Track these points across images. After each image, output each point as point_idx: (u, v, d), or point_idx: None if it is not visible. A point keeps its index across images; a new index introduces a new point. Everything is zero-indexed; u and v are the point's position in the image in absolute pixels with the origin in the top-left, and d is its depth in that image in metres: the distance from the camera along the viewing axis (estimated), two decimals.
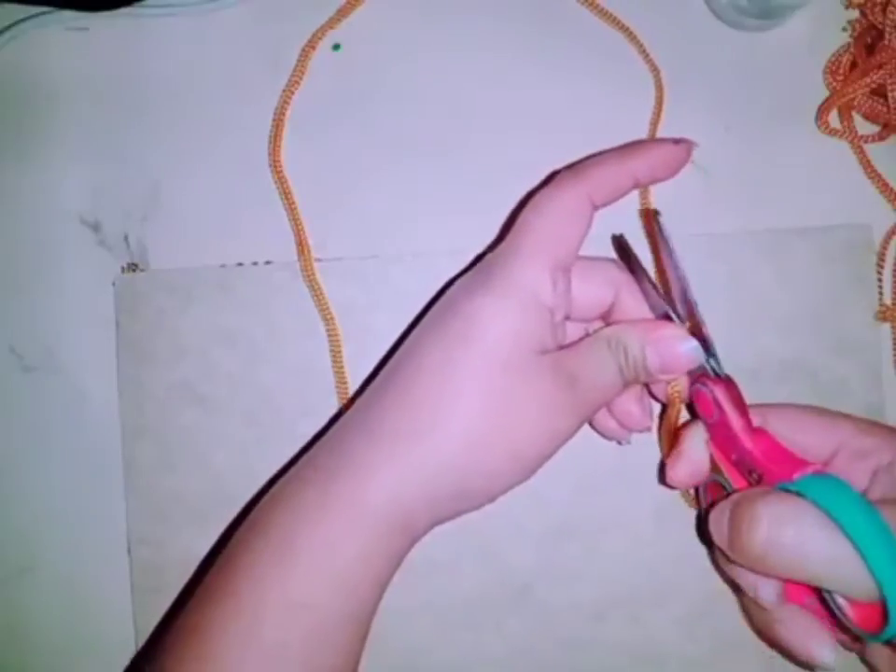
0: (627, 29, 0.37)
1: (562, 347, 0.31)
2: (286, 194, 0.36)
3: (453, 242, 0.36)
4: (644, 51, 0.37)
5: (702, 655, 0.36)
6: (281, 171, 0.36)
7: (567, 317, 0.31)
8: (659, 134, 0.37)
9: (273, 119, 0.37)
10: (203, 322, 0.36)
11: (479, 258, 0.36)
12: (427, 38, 0.37)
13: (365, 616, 0.29)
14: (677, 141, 0.31)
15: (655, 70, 0.37)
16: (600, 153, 0.31)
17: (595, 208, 0.30)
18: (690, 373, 0.32)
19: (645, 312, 0.32)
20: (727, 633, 0.36)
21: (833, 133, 0.36)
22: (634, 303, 0.32)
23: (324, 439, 0.31)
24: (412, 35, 0.37)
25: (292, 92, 0.37)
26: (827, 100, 0.36)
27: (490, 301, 0.29)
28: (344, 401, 0.36)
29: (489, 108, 0.37)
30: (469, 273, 0.31)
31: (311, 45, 0.37)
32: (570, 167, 0.31)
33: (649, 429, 0.33)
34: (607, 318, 0.33)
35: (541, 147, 0.36)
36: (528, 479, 0.30)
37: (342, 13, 0.37)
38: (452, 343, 0.29)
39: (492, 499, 0.30)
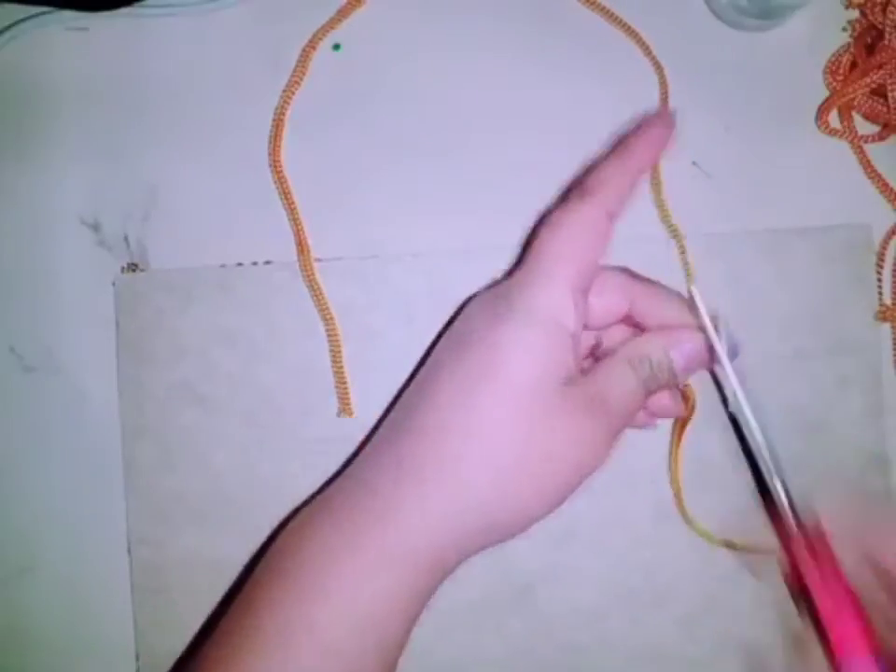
0: (629, 27, 0.37)
1: (582, 370, 0.30)
2: (285, 194, 0.36)
3: (453, 241, 0.36)
4: (647, 49, 0.37)
5: (702, 656, 0.36)
6: (281, 171, 0.36)
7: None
8: (671, 103, 0.36)
9: (273, 119, 0.37)
10: (202, 322, 0.36)
11: (480, 257, 0.36)
12: (427, 38, 0.37)
13: (394, 653, 0.29)
14: (657, 119, 0.32)
15: (659, 67, 0.37)
16: (597, 162, 0.31)
17: (613, 220, 0.30)
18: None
19: (661, 316, 0.32)
20: (727, 634, 0.36)
21: (833, 133, 0.36)
22: (650, 309, 0.32)
23: (346, 474, 0.31)
24: (412, 35, 0.37)
25: (292, 92, 0.37)
26: (827, 100, 0.36)
27: (513, 330, 0.29)
28: (345, 402, 0.36)
29: (489, 108, 0.37)
30: (488, 299, 0.31)
31: (311, 45, 0.37)
32: (578, 183, 0.31)
33: (681, 414, 0.35)
34: (626, 321, 0.33)
35: (542, 147, 0.36)
36: (556, 510, 0.30)
37: (342, 13, 0.37)
38: (475, 377, 0.29)
39: (521, 532, 0.30)
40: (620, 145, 0.32)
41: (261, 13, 0.37)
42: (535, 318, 0.29)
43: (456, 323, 0.31)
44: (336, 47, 0.37)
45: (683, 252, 0.36)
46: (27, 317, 0.37)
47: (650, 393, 0.31)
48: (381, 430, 0.31)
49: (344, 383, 0.36)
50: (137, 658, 0.36)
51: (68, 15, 0.37)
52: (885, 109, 0.36)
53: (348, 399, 0.36)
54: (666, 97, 0.36)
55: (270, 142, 0.36)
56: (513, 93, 0.37)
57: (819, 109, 0.36)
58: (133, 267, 0.36)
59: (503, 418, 0.28)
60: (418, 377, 0.31)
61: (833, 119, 0.37)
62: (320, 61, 0.37)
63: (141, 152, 0.37)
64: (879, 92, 0.36)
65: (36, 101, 0.37)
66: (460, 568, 0.35)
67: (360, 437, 0.35)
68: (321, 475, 0.35)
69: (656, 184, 0.36)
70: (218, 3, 0.37)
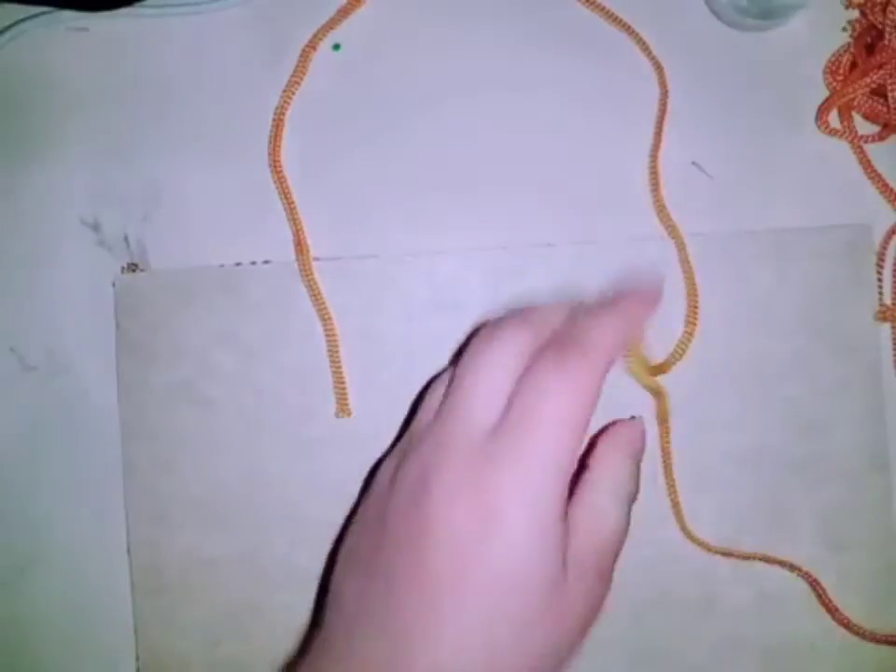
0: (629, 27, 0.37)
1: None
2: (285, 194, 0.36)
3: (453, 241, 0.36)
4: (647, 48, 0.36)
5: (703, 656, 0.36)
6: (280, 170, 0.36)
7: None
8: (671, 103, 0.36)
9: (273, 119, 0.37)
10: (203, 322, 0.36)
11: (480, 258, 0.36)
12: (427, 38, 0.37)
13: None
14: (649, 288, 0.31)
15: (658, 67, 0.36)
16: (597, 326, 0.29)
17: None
18: None
19: None
20: (728, 634, 0.36)
21: (833, 133, 0.36)
22: None
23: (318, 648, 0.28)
24: (412, 35, 0.37)
25: (293, 92, 0.37)
26: (827, 100, 0.36)
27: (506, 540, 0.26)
28: (343, 403, 0.36)
29: (489, 108, 0.37)
30: (480, 442, 0.28)
31: (311, 45, 0.37)
32: (574, 343, 0.28)
33: None
34: None
35: (543, 146, 0.36)
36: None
37: (342, 13, 0.37)
38: (467, 540, 0.26)
39: None
40: (617, 307, 0.30)
41: (261, 13, 0.37)
42: (516, 517, 0.26)
43: (425, 513, 0.27)
44: (336, 47, 0.37)
45: (683, 250, 0.36)
46: (27, 317, 0.37)
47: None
48: (334, 615, 0.28)
49: (343, 383, 0.36)
50: (137, 658, 0.36)
51: (68, 15, 0.37)
52: (885, 109, 0.36)
53: (346, 399, 0.36)
54: (666, 97, 0.36)
55: (269, 142, 0.36)
56: (513, 93, 0.37)
57: (819, 109, 0.36)
58: (133, 267, 0.36)
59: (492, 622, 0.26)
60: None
61: (833, 118, 0.37)
62: (320, 61, 0.37)
63: (141, 152, 0.37)
64: (879, 92, 0.36)
65: (36, 101, 0.37)
66: None
67: (359, 437, 0.35)
68: (320, 475, 0.35)
69: (655, 184, 0.36)
70: (218, 3, 0.37)
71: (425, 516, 0.27)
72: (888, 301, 0.36)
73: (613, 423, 0.33)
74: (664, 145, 0.36)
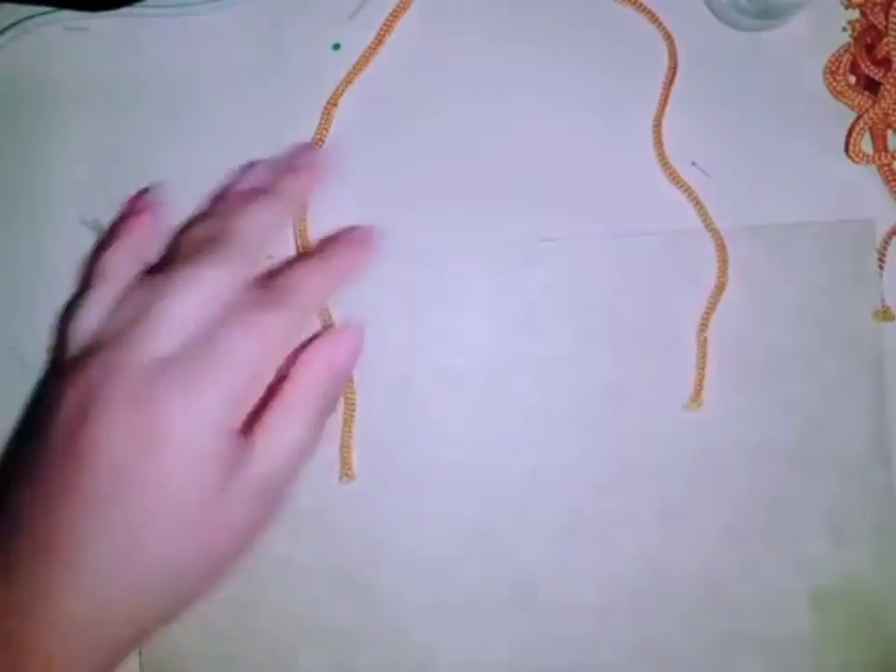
0: (637, 2, 0.37)
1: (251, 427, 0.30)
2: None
3: (453, 237, 0.36)
4: (656, 20, 0.37)
5: (706, 654, 0.36)
6: None
7: None
8: (672, 103, 0.37)
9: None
10: None
11: (485, 253, 0.36)
12: (427, 37, 0.37)
13: None
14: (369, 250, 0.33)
15: (669, 38, 0.37)
16: (305, 273, 0.31)
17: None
18: None
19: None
20: (731, 632, 0.36)
21: (866, 160, 0.36)
22: None
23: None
24: (412, 34, 0.37)
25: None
26: (857, 124, 0.36)
27: (171, 456, 0.28)
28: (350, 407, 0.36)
29: (491, 102, 0.37)
30: (149, 368, 0.28)
31: (332, 101, 0.36)
32: (280, 285, 0.31)
33: None
34: None
35: (546, 141, 0.36)
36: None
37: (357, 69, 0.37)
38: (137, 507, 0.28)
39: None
40: (324, 254, 0.32)
41: (261, 13, 0.37)
42: (181, 443, 0.28)
43: (86, 436, 0.28)
44: (336, 46, 0.37)
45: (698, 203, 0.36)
46: (27, 317, 0.37)
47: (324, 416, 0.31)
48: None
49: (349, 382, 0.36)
50: (139, 654, 0.36)
51: (68, 15, 0.37)
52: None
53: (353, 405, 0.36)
54: (675, 69, 0.37)
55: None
56: (516, 88, 0.37)
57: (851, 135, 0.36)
58: None
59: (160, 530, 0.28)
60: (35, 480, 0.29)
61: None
62: (321, 60, 0.37)
63: (141, 152, 0.37)
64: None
65: (36, 100, 0.37)
66: (461, 567, 0.36)
67: (360, 432, 0.36)
68: (318, 468, 0.36)
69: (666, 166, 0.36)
70: (218, 3, 0.37)
71: (83, 440, 0.28)
72: (889, 299, 0.36)
73: (321, 335, 0.32)
74: (666, 142, 0.37)
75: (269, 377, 0.30)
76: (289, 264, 0.32)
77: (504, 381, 0.36)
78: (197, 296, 0.29)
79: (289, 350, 0.30)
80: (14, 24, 0.36)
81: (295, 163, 0.33)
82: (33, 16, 0.36)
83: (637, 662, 0.36)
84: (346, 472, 0.36)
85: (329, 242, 0.34)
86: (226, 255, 0.30)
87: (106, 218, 0.37)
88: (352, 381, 0.35)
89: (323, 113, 0.36)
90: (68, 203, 0.37)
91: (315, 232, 0.36)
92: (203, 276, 0.29)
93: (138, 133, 0.37)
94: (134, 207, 0.33)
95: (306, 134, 0.37)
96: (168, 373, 0.28)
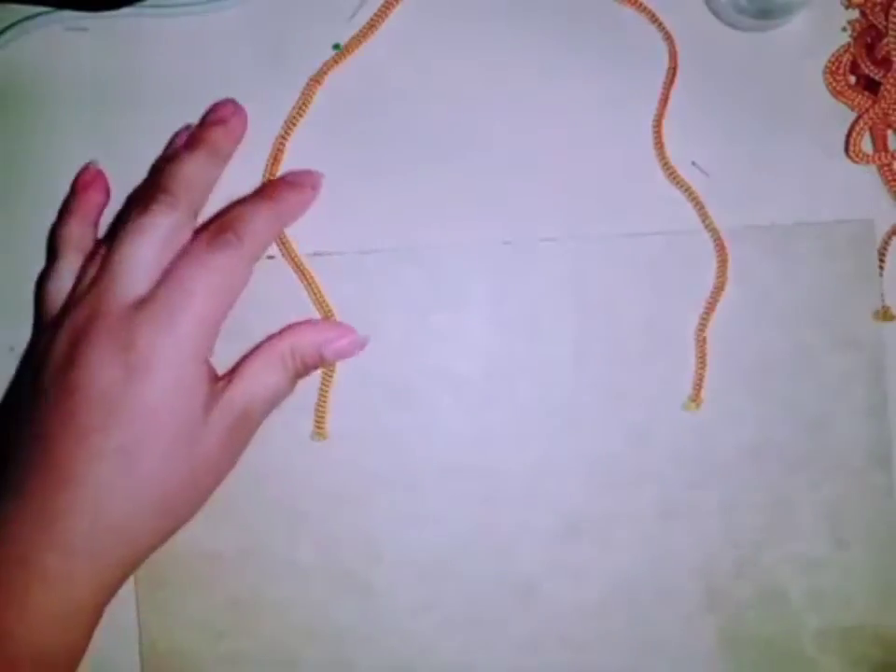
0: (638, 2, 0.37)
1: (223, 376, 0.33)
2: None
3: (453, 235, 0.36)
4: (656, 20, 0.37)
5: (706, 654, 0.36)
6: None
7: None
8: (672, 103, 0.37)
9: (272, 145, 0.37)
10: None
11: (482, 252, 0.36)
12: (427, 36, 0.37)
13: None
14: (313, 187, 0.35)
15: (669, 38, 0.37)
16: (252, 212, 0.33)
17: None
18: None
19: None
20: (732, 631, 0.36)
21: (866, 159, 0.36)
22: None
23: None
24: (412, 33, 0.37)
25: (294, 123, 0.37)
26: (857, 123, 0.36)
27: (146, 385, 0.30)
28: (320, 420, 0.36)
29: (489, 102, 0.37)
30: (110, 348, 0.31)
31: (316, 79, 0.37)
32: (228, 225, 0.33)
33: None
34: None
35: (542, 138, 0.36)
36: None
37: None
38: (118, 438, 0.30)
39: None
40: (270, 193, 0.35)
41: (261, 13, 0.37)
42: (164, 371, 0.31)
43: (76, 373, 0.31)
44: (336, 46, 0.37)
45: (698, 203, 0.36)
46: (27, 317, 0.37)
47: (298, 380, 0.34)
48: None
49: (330, 376, 0.36)
50: (140, 653, 0.36)
51: (68, 15, 0.37)
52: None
53: (322, 416, 0.36)
54: (675, 69, 0.37)
55: (273, 142, 0.37)
56: (516, 88, 0.37)
57: (850, 135, 0.36)
58: None
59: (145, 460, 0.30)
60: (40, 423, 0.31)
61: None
62: (321, 60, 0.37)
63: (141, 152, 0.37)
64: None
65: (36, 101, 0.37)
66: (462, 566, 0.36)
67: (358, 431, 0.36)
68: (318, 467, 0.36)
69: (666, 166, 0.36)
70: (218, 3, 0.37)
71: (75, 376, 0.30)
72: (889, 300, 0.36)
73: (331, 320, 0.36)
74: (666, 143, 0.37)
75: (231, 305, 0.32)
76: (235, 203, 0.35)
77: (504, 381, 0.36)
78: (151, 241, 0.32)
79: (246, 282, 0.33)
80: (14, 24, 0.36)
81: (214, 116, 0.36)
82: (33, 16, 0.36)
83: (637, 662, 0.36)
84: (319, 431, 0.36)
85: (273, 182, 0.36)
86: (170, 201, 0.32)
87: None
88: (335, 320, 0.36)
89: (303, 91, 0.37)
90: None
91: (316, 229, 0.36)
92: (153, 224, 0.32)
93: (138, 133, 0.37)
94: (81, 181, 0.36)
95: (306, 132, 0.37)
96: (143, 311, 0.31)
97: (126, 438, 0.30)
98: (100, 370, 0.30)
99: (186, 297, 0.31)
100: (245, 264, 0.33)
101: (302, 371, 0.34)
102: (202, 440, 0.31)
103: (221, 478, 0.33)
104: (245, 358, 0.34)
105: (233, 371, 0.33)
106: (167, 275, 0.31)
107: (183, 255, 0.32)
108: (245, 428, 0.33)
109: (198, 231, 0.33)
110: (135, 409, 0.30)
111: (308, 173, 0.36)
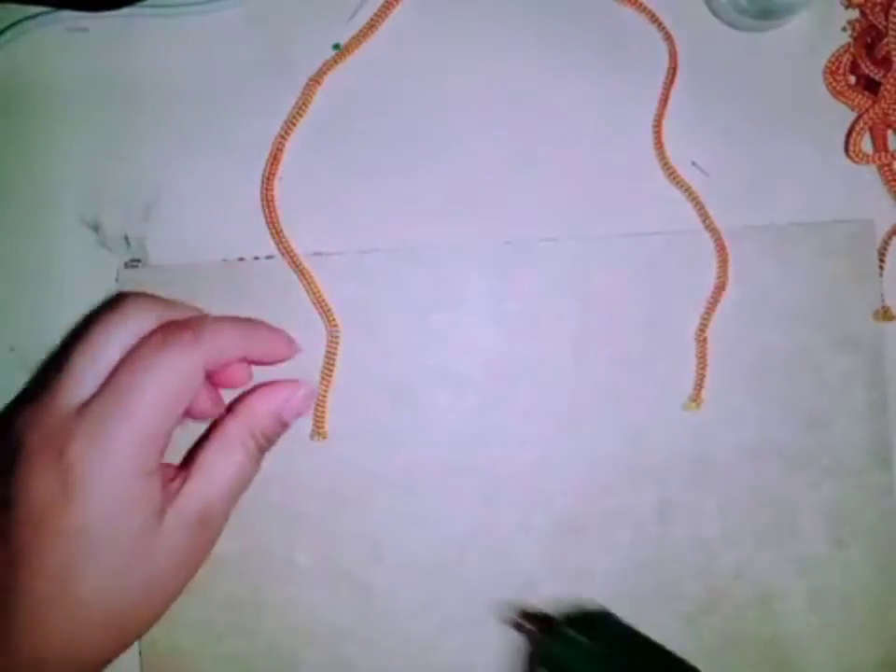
0: (638, 2, 0.37)
1: (179, 472, 0.31)
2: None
3: (453, 235, 0.36)
4: (656, 20, 0.37)
5: (706, 653, 0.36)
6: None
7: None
8: (672, 103, 0.37)
9: (272, 144, 0.37)
10: None
11: (482, 252, 0.36)
12: (427, 35, 0.37)
13: None
14: (290, 340, 0.34)
15: (669, 38, 0.37)
16: (218, 320, 0.31)
17: (206, 373, 0.30)
18: None
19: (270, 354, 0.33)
20: (731, 631, 0.36)
21: (866, 160, 0.36)
22: (259, 355, 0.33)
23: None
24: (411, 32, 0.37)
25: (294, 123, 0.37)
26: (857, 123, 0.36)
27: (88, 498, 0.28)
28: (320, 423, 0.36)
29: (489, 101, 0.37)
30: (65, 416, 0.29)
31: (316, 79, 0.37)
32: (187, 324, 0.30)
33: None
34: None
35: (542, 138, 0.37)
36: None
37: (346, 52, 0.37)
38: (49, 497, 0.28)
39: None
40: (248, 322, 0.33)
41: (262, 13, 0.37)
42: (100, 488, 0.28)
43: (15, 486, 0.29)
44: (336, 46, 0.37)
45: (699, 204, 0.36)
46: (27, 317, 0.37)
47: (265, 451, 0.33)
48: None
49: (329, 374, 0.36)
50: (140, 653, 0.36)
51: (68, 15, 0.37)
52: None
53: (322, 416, 0.36)
54: (675, 70, 0.37)
55: (271, 141, 0.37)
56: (513, 86, 0.37)
57: (850, 135, 0.36)
58: (134, 263, 0.36)
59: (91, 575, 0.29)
60: None
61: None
62: (320, 60, 0.37)
63: (141, 151, 0.37)
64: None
65: (36, 101, 0.37)
66: (462, 566, 0.36)
67: (359, 433, 0.35)
68: (315, 470, 0.36)
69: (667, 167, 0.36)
70: (218, 3, 0.37)
71: (12, 488, 0.29)
72: (889, 300, 0.36)
73: (275, 383, 0.34)
74: (666, 143, 0.37)
75: (180, 412, 0.30)
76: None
77: (504, 381, 0.36)
78: (107, 343, 0.30)
79: (198, 387, 0.30)
80: (14, 24, 0.36)
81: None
82: (33, 16, 0.36)
83: None
84: (318, 431, 0.36)
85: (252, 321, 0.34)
86: (132, 304, 0.31)
87: (107, 218, 0.37)
88: (335, 319, 0.36)
89: (303, 91, 0.37)
90: (68, 203, 0.37)
91: (316, 229, 0.36)
92: (114, 323, 0.30)
93: (138, 133, 0.37)
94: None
95: (306, 132, 0.37)
96: (80, 419, 0.29)
97: (61, 561, 0.28)
98: (32, 484, 0.28)
99: (127, 404, 0.29)
100: (199, 367, 0.30)
101: (266, 445, 0.33)
102: (157, 547, 0.29)
103: (189, 577, 0.31)
104: (200, 448, 0.32)
105: (189, 465, 0.31)
106: (111, 376, 0.29)
107: (132, 351, 0.29)
108: (207, 527, 0.31)
109: (154, 330, 0.30)
110: (69, 532, 0.28)
111: (289, 336, 0.34)
